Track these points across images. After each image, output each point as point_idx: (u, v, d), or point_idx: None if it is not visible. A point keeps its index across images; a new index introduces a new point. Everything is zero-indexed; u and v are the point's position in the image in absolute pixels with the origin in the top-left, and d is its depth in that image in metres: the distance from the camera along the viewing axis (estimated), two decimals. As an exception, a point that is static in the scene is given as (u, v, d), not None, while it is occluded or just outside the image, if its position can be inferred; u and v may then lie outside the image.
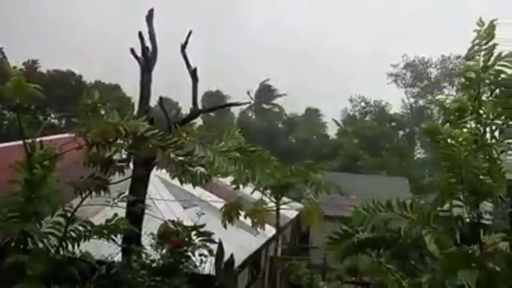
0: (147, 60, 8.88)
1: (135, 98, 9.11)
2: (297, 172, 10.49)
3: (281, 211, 11.69)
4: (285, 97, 50.86)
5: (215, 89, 50.42)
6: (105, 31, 56.35)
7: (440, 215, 4.86)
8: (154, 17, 9.11)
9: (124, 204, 7.00)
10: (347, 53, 62.32)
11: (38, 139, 5.85)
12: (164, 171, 6.56)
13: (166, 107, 8.71)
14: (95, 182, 5.83)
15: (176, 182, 6.38)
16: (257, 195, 10.92)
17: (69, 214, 5.96)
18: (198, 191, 11.55)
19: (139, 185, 8.05)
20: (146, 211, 8.18)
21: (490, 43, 4.68)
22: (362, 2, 65.71)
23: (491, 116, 4.73)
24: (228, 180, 10.28)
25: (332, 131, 50.82)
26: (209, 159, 5.43)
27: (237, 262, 9.84)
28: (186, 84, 9.38)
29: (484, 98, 4.71)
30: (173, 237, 7.82)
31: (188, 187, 7.70)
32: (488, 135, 4.77)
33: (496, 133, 4.82)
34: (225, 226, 9.83)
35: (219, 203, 11.49)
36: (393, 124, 46.57)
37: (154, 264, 7.60)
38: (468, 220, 4.82)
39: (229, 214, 9.92)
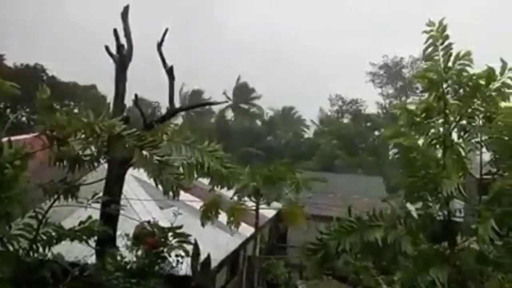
0: (122, 58, 8.73)
1: (111, 97, 8.91)
2: (276, 172, 10.55)
3: (260, 211, 11.70)
4: (263, 97, 51.06)
5: (197, 87, 50.23)
6: (81, 28, 55.25)
7: (411, 215, 4.97)
8: (134, 15, 8.97)
9: (99, 205, 6.87)
10: (325, 52, 63.08)
11: (5, 138, 5.66)
12: (141, 170, 6.47)
13: (140, 106, 8.60)
14: (65, 186, 5.69)
15: (153, 181, 6.30)
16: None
17: (40, 216, 5.80)
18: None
19: (114, 185, 7.92)
20: (122, 212, 8.07)
21: (446, 43, 4.77)
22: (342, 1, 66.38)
23: (457, 116, 4.83)
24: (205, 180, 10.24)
25: (310, 130, 51.34)
26: (197, 159, 5.39)
27: (215, 262, 9.81)
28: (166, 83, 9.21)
29: (449, 97, 4.81)
30: (149, 238, 7.73)
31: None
32: (455, 135, 4.90)
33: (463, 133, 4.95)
34: (202, 225, 9.78)
35: (197, 203, 11.42)
36: (369, 124, 47.33)
37: (129, 266, 7.49)
38: (439, 218, 4.95)
39: (208, 213, 9.90)
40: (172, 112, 9.06)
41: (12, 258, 5.56)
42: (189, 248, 8.14)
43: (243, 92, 52.22)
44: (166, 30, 9.09)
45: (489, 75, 4.70)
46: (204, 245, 8.96)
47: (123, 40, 8.84)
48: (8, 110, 33.58)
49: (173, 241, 7.85)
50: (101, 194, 7.00)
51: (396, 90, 51.58)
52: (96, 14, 60.07)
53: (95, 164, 5.67)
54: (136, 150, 5.12)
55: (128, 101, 9.48)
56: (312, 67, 61.27)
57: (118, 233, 7.90)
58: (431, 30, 4.81)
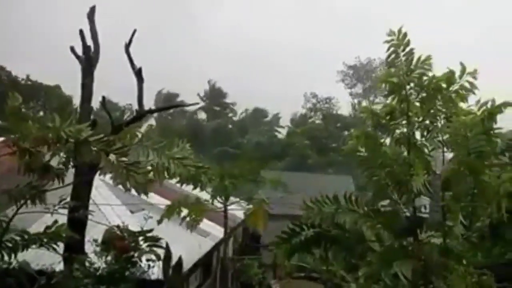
0: (88, 60, 8.55)
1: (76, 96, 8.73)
2: (245, 172, 10.59)
3: (233, 212, 11.72)
4: (236, 98, 51.16)
5: (168, 90, 49.73)
6: (44, 28, 53.60)
7: (380, 210, 5.14)
8: (115, 15, 8.83)
9: (66, 211, 6.70)
10: (299, 52, 63.63)
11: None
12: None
13: (108, 109, 8.45)
14: (31, 191, 5.52)
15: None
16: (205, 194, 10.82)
17: (4, 224, 5.61)
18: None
19: (82, 190, 7.75)
20: (91, 217, 7.89)
21: (407, 49, 4.99)
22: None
23: (420, 117, 5.05)
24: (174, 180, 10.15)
25: (283, 130, 51.74)
26: (163, 165, 5.34)
27: (187, 265, 9.75)
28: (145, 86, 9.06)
29: (412, 100, 5.03)
30: (119, 241, 7.59)
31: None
32: (419, 135, 5.11)
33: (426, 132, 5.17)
34: (159, 223, 9.49)
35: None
36: (338, 125, 48.24)
37: (98, 272, 7.34)
38: (405, 214, 5.13)
39: (171, 212, 9.84)
40: (141, 114, 8.95)
41: (-25, 267, 5.36)
42: (161, 251, 8.05)
43: (216, 94, 52.17)
44: (134, 31, 9.05)
45: (449, 77, 4.94)
46: (176, 248, 8.89)
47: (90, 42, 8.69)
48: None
49: (144, 245, 7.74)
50: (68, 199, 6.84)
51: (364, 91, 52.73)
52: (61, 15, 58.40)
53: (64, 172, 5.55)
54: (103, 156, 5.04)
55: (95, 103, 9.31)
56: (287, 67, 61.87)
57: (86, 239, 7.73)
58: (392, 40, 4.99)
